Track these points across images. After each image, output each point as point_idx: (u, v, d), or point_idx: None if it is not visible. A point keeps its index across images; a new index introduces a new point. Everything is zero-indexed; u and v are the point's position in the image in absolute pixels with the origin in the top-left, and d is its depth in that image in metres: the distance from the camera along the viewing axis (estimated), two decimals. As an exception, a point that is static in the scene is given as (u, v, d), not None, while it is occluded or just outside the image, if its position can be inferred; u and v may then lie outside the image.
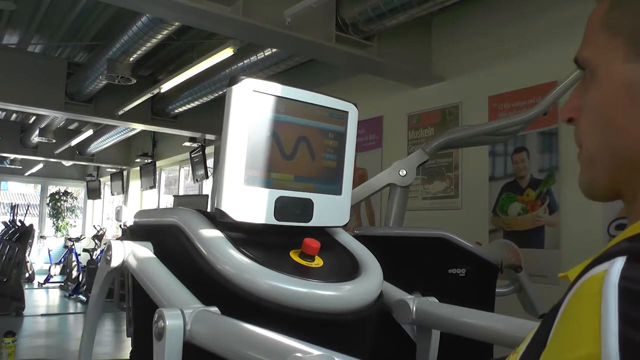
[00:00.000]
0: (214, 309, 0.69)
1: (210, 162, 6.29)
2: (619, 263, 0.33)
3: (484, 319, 0.85)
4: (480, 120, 3.00)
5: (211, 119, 5.59)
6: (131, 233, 1.03)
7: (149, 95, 4.80)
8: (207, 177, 6.19)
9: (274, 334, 0.55)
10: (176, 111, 5.43)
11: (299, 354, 0.46)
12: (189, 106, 5.11)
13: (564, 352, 0.32)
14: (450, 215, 3.37)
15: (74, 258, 8.43)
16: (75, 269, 8.24)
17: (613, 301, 0.31)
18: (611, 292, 0.32)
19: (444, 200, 3.44)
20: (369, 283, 0.85)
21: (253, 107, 0.82)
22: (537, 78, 2.93)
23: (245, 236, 0.84)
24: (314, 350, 0.48)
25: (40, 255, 10.05)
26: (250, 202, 0.83)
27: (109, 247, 0.89)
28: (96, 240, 8.11)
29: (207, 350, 0.63)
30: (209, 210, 0.96)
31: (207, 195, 5.34)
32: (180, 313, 0.67)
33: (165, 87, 4.53)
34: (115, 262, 0.88)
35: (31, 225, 7.06)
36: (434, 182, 3.52)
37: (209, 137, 6.19)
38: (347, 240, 0.97)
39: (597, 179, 0.45)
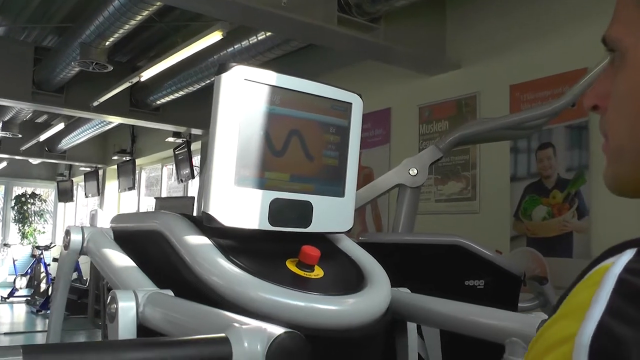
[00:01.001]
0: (168, 291, 0.77)
1: (196, 160, 6.29)
2: (627, 255, 0.36)
3: (464, 310, 0.87)
4: (501, 112, 3.00)
5: (198, 111, 5.60)
6: (107, 240, 1.03)
7: (127, 85, 4.80)
8: (192, 177, 6.20)
9: (222, 311, 0.64)
10: (158, 102, 5.43)
11: (236, 324, 0.54)
12: (172, 97, 5.11)
13: (551, 335, 0.36)
14: (466, 220, 3.37)
15: (42, 269, 8.43)
16: (44, 281, 8.24)
17: (607, 291, 0.34)
18: (608, 283, 0.35)
19: (459, 203, 3.45)
20: (375, 296, 0.85)
21: (245, 98, 0.83)
22: (564, 64, 2.93)
23: (236, 243, 0.84)
24: (253, 322, 0.56)
25: (3, 266, 10.05)
26: (241, 205, 0.83)
27: (68, 232, 0.98)
28: (67, 248, 8.09)
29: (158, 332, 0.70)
30: (195, 214, 0.96)
31: (193, 198, 5.35)
32: (134, 295, 0.74)
33: (146, 75, 4.54)
34: (74, 247, 0.96)
35: (-6, 232, 7.06)
36: (449, 183, 3.52)
37: (195, 131, 6.20)
38: (351, 248, 0.98)
39: (623, 173, 0.45)
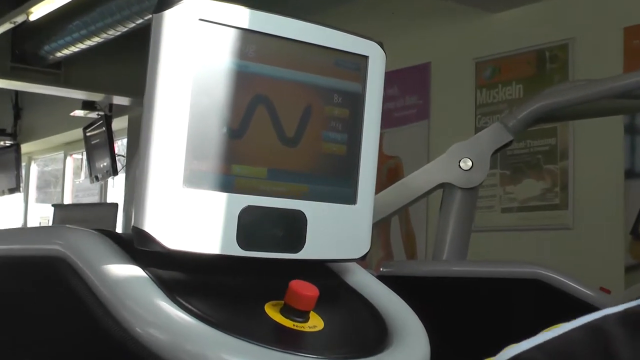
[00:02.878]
0: None
1: (121, 147, 6.29)
2: None
3: None
4: (608, 72, 3.01)
5: (122, 69, 5.59)
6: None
7: (6, 27, 4.79)
8: (115, 173, 6.20)
9: None
10: (58, 55, 5.42)
11: None
12: (81, 46, 5.10)
13: None
14: (552, 240, 3.37)
15: None
16: None
17: (574, 324, 0.47)
18: (587, 318, 0.48)
19: (541, 214, 3.45)
20: (405, 359, 0.86)
21: (200, 49, 0.83)
22: None
23: (186, 277, 0.85)
24: None
25: None
26: (194, 218, 0.84)
27: None
28: None
29: None
30: (120, 230, 0.96)
31: (116, 205, 5.32)
32: None
33: (37, 12, 4.53)
34: None
35: None
36: (524, 182, 3.52)
37: (118, 100, 6.19)
38: (367, 284, 0.99)
39: None
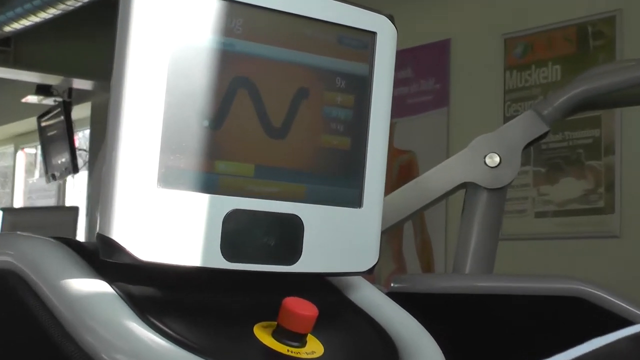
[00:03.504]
0: None
1: (82, 139, 6.29)
2: None
3: None
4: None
5: (84, 47, 5.59)
6: None
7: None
8: (75, 171, 6.20)
9: None
10: (6, 30, 5.43)
11: None
12: (34, 19, 5.11)
13: None
14: (596, 250, 3.38)
15: None
16: None
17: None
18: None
19: (582, 219, 3.45)
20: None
21: (177, 24, 0.84)
22: None
23: (161, 294, 0.86)
24: None
25: None
26: (170, 224, 0.85)
27: None
28: None
29: None
30: (82, 239, 0.97)
31: (77, 209, 5.32)
32: None
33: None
34: None
35: None
36: (561, 181, 3.52)
37: (79, 84, 6.20)
38: (375, 302, 0.99)
39: None
